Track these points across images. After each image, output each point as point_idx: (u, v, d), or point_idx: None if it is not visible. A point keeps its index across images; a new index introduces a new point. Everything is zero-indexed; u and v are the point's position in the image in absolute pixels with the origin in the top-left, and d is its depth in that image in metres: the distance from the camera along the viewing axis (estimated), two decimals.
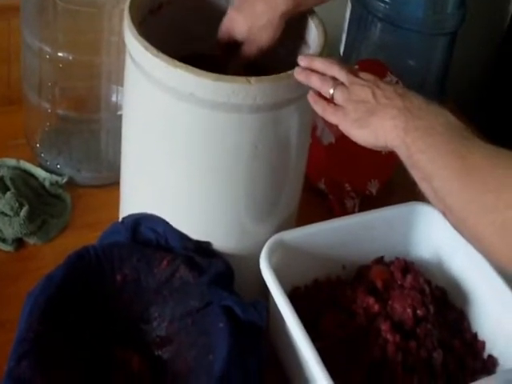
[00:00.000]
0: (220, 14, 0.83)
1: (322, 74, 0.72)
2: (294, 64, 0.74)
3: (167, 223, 0.78)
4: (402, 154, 0.66)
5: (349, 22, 1.22)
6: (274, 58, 0.84)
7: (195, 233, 0.78)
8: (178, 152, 0.75)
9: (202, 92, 0.70)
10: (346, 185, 1.02)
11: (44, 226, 0.92)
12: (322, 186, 1.03)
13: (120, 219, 0.83)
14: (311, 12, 0.79)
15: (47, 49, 0.93)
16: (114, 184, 0.89)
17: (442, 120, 0.65)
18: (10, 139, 1.02)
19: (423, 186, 0.64)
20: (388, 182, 1.04)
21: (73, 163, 0.99)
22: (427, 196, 0.64)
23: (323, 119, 1.01)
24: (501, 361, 0.79)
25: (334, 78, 0.71)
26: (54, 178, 0.98)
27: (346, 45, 1.23)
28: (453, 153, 0.62)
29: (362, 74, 0.71)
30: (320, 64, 0.72)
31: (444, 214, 0.63)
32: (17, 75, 1.02)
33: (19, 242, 0.91)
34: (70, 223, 0.95)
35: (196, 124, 0.73)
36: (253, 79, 0.70)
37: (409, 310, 0.77)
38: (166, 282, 0.75)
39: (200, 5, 0.84)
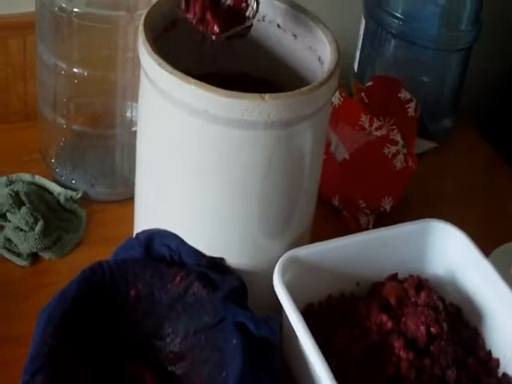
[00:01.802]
0: None
1: None
2: (307, 81, 0.74)
3: (181, 239, 0.78)
4: None
5: (363, 39, 1.22)
6: (287, 76, 0.85)
7: (209, 249, 0.78)
8: (191, 168, 0.76)
9: (215, 109, 0.70)
10: (360, 201, 1.02)
11: (59, 241, 0.93)
12: (335, 202, 1.03)
13: (134, 235, 0.83)
14: (324, 29, 0.79)
15: (62, 65, 0.93)
16: (129, 199, 0.89)
17: None
18: (26, 154, 1.03)
19: None
20: (402, 199, 1.04)
21: (88, 178, 1.00)
22: None
23: (337, 135, 1.02)
24: None
25: None
26: (69, 193, 0.98)
27: (359, 61, 1.23)
28: None
29: None
30: None
31: None
32: (32, 91, 1.03)
33: (34, 257, 0.91)
34: (84, 238, 0.95)
35: (210, 140, 0.73)
36: (267, 96, 0.70)
37: (422, 328, 0.77)
38: (180, 298, 0.75)
39: None
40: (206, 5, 0.75)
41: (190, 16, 0.75)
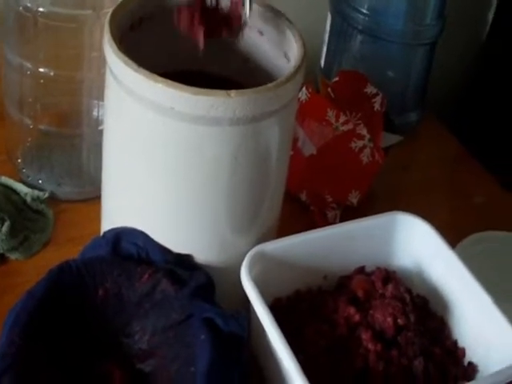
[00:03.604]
0: None
1: None
2: (274, 77, 0.74)
3: (148, 237, 0.78)
4: None
5: (329, 34, 1.22)
6: (253, 72, 0.85)
7: (176, 246, 0.79)
8: (157, 166, 0.76)
9: (181, 106, 0.70)
10: (327, 196, 1.02)
11: (26, 241, 0.92)
12: (303, 197, 1.04)
13: (101, 233, 0.83)
14: (290, 25, 0.80)
15: (28, 64, 0.93)
16: (96, 198, 0.88)
17: None
18: None
19: None
20: (369, 193, 1.04)
21: (54, 178, 0.99)
22: None
23: (304, 130, 1.03)
24: (480, 367, 0.79)
25: None
26: (36, 193, 0.97)
27: (326, 57, 1.24)
28: None
29: None
30: None
31: None
32: None
33: (1, 258, 0.90)
34: (52, 238, 0.94)
35: (176, 137, 0.73)
36: (233, 92, 0.70)
37: (389, 319, 0.77)
38: (148, 296, 0.75)
39: None
40: (195, 11, 0.75)
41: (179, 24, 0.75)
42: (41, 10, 0.89)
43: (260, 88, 0.72)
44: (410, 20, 1.16)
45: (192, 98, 0.70)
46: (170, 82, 0.70)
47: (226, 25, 0.78)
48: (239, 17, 0.77)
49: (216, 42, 0.84)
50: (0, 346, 0.68)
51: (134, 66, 0.71)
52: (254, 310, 0.75)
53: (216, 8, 0.77)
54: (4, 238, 0.90)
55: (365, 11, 1.16)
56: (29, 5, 0.89)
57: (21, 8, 0.89)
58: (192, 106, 0.70)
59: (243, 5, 0.77)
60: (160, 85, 0.70)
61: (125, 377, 0.74)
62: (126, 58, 0.72)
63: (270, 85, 0.73)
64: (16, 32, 0.93)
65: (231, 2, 0.77)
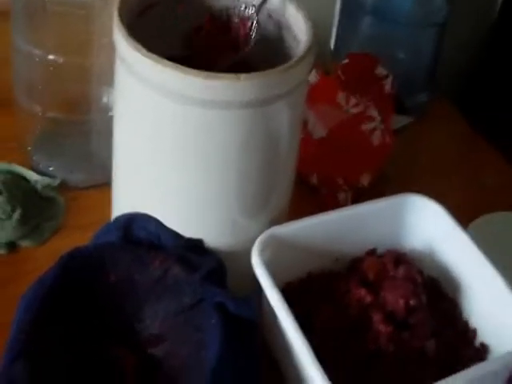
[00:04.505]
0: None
1: None
2: (283, 59, 0.74)
3: (159, 222, 0.78)
4: None
5: (339, 16, 1.22)
6: (262, 55, 0.85)
7: (187, 230, 0.79)
8: (167, 150, 0.76)
9: (191, 90, 0.70)
10: (338, 178, 1.02)
11: (37, 228, 0.92)
12: (313, 180, 1.03)
13: (112, 219, 0.83)
14: (299, 7, 0.79)
15: (37, 52, 0.93)
16: (107, 185, 0.88)
17: None
18: (2, 143, 1.03)
19: None
20: (380, 175, 1.04)
21: (65, 165, 0.99)
22: None
23: (314, 113, 1.03)
24: (492, 348, 0.79)
25: None
26: (47, 180, 0.98)
27: (336, 39, 1.24)
28: None
29: None
30: None
31: None
32: (7, 79, 1.02)
33: (12, 246, 0.91)
34: (63, 225, 0.95)
35: (185, 122, 0.73)
36: (242, 76, 0.70)
37: (401, 301, 0.77)
38: (159, 281, 0.75)
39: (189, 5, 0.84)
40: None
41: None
42: None
43: (270, 71, 0.72)
44: (418, 0, 1.15)
45: (201, 81, 0.70)
46: (179, 66, 0.70)
47: (233, 47, 0.81)
48: (247, 40, 0.80)
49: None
50: (12, 333, 0.68)
51: (143, 50, 0.71)
52: (265, 293, 0.75)
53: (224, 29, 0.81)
54: (15, 225, 0.90)
55: None
56: None
57: None
58: (202, 89, 0.70)
59: (251, 27, 0.79)
60: (168, 69, 0.70)
61: (137, 362, 0.74)
62: (136, 43, 0.72)
63: (279, 68, 0.72)
64: (25, 19, 0.93)
65: (240, 24, 0.80)
